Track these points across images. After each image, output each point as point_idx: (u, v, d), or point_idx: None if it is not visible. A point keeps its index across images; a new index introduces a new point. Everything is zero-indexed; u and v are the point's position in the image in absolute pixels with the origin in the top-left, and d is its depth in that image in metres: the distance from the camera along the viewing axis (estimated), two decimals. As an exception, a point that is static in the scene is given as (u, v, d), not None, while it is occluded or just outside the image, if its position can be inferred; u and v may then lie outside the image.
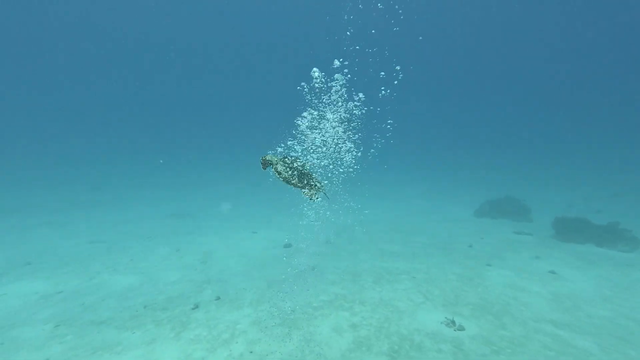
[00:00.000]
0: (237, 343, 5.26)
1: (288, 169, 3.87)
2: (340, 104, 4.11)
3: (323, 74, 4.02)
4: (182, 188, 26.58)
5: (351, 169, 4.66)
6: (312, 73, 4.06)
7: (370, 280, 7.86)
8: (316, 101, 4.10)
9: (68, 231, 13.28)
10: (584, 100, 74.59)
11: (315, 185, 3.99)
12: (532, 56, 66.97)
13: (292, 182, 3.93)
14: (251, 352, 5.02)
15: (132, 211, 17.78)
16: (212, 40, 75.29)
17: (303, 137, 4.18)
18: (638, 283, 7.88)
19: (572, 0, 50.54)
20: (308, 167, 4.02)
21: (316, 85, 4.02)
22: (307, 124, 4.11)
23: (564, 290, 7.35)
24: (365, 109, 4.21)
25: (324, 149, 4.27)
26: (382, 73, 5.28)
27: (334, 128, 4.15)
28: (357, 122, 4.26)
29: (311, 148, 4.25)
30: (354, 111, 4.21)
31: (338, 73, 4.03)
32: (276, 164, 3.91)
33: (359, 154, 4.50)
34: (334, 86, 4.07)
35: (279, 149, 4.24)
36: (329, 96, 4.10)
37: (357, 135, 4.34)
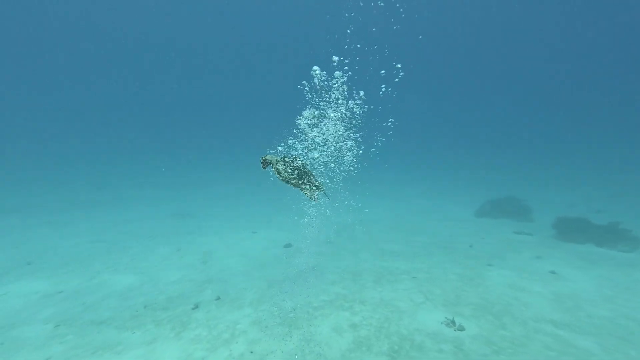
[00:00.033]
0: (238, 343, 5.25)
1: (288, 169, 3.86)
2: (340, 101, 4.11)
3: (324, 72, 4.02)
4: (182, 188, 26.58)
5: (352, 168, 4.66)
6: (312, 72, 4.06)
7: (370, 279, 7.85)
8: (317, 99, 4.10)
9: (68, 231, 13.28)
10: (584, 100, 74.59)
11: (315, 184, 3.99)
12: (532, 56, 66.96)
13: (292, 182, 3.92)
14: (251, 352, 5.02)
15: (132, 211, 17.78)
16: (212, 40, 75.34)
17: (304, 136, 4.18)
18: (639, 283, 7.86)
19: (572, 0, 50.53)
20: (308, 167, 4.01)
21: (316, 81, 4.02)
22: (308, 122, 4.10)
23: (565, 290, 7.34)
24: (366, 107, 4.20)
25: (325, 147, 4.26)
26: (383, 71, 5.27)
27: (334, 126, 4.15)
28: (358, 120, 4.25)
29: (312, 146, 4.24)
30: (355, 110, 4.21)
31: (338, 70, 4.03)
32: (276, 164, 3.91)
33: (360, 151, 4.50)
34: (334, 84, 4.06)
35: (279, 148, 4.24)
36: (330, 94, 4.09)
37: (358, 134, 4.34)
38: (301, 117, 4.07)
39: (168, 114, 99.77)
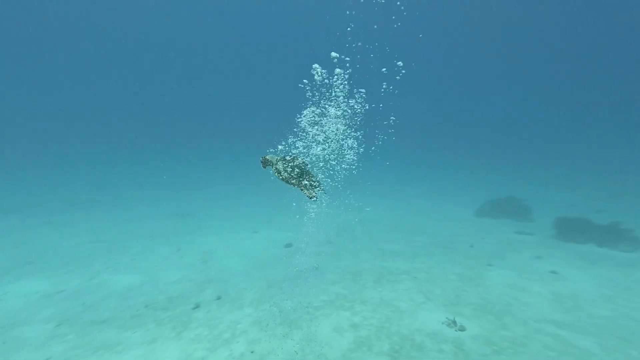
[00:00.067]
0: (238, 343, 5.25)
1: (288, 168, 3.86)
2: (341, 99, 4.10)
3: (325, 71, 4.02)
4: (182, 188, 26.57)
5: (353, 166, 4.65)
6: (312, 71, 4.05)
7: (371, 279, 7.85)
8: (318, 95, 4.09)
9: (68, 231, 13.27)
10: (584, 100, 74.60)
11: (315, 184, 3.99)
12: (532, 56, 66.98)
13: (292, 181, 3.92)
14: (252, 351, 5.01)
15: (132, 211, 17.77)
16: (212, 40, 75.32)
17: (304, 134, 4.18)
18: (639, 283, 7.86)
19: (572, 0, 50.54)
20: (308, 165, 4.01)
21: (316, 77, 4.02)
22: (309, 119, 4.10)
23: (565, 290, 7.34)
24: (367, 105, 4.20)
25: (326, 145, 4.26)
26: (384, 69, 5.26)
27: (335, 124, 4.14)
28: (359, 119, 4.25)
29: (313, 144, 4.24)
30: (356, 107, 4.20)
31: (338, 68, 4.03)
32: (276, 163, 3.91)
33: (361, 150, 4.49)
34: (335, 82, 4.06)
35: (280, 147, 4.24)
36: (332, 92, 4.09)
37: (359, 133, 4.33)
38: (302, 116, 4.07)
39: (168, 114, 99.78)
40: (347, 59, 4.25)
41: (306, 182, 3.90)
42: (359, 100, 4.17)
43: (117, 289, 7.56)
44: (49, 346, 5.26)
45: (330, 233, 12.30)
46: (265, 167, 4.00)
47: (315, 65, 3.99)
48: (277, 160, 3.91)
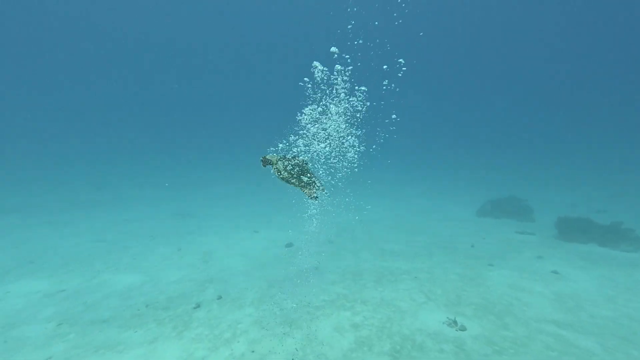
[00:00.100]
0: (239, 342, 5.24)
1: (288, 167, 3.85)
2: (343, 96, 4.10)
3: (326, 69, 4.01)
4: (182, 188, 26.58)
5: (354, 165, 4.65)
6: (312, 69, 4.05)
7: (371, 279, 7.84)
8: (320, 93, 4.09)
9: (69, 231, 13.27)
10: (584, 100, 74.55)
11: (315, 183, 3.98)
12: (532, 56, 66.93)
13: (292, 181, 3.91)
14: (253, 351, 5.01)
15: (132, 211, 17.77)
16: (212, 40, 75.27)
17: (305, 132, 4.17)
18: (640, 283, 7.85)
19: (572, 0, 50.52)
20: (309, 164, 4.00)
21: (317, 75, 4.01)
22: (310, 115, 4.10)
23: (567, 290, 7.33)
24: (369, 103, 4.19)
25: (328, 142, 4.25)
26: (385, 66, 5.25)
27: (335, 121, 4.14)
28: (360, 116, 4.24)
29: (314, 142, 4.23)
30: (357, 105, 4.20)
31: (338, 64, 4.03)
32: (276, 163, 3.90)
33: (362, 148, 4.49)
34: (335, 80, 4.06)
35: (280, 145, 4.23)
36: (333, 89, 4.09)
37: (360, 131, 4.33)
38: (303, 114, 4.06)
39: (168, 114, 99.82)
40: (348, 57, 4.24)
41: (306, 181, 3.89)
42: (359, 98, 4.16)
43: (117, 289, 7.55)
44: (50, 346, 5.25)
45: (330, 233, 12.29)
46: (265, 166, 3.99)
47: (316, 63, 3.98)
48: (278, 160, 3.91)
